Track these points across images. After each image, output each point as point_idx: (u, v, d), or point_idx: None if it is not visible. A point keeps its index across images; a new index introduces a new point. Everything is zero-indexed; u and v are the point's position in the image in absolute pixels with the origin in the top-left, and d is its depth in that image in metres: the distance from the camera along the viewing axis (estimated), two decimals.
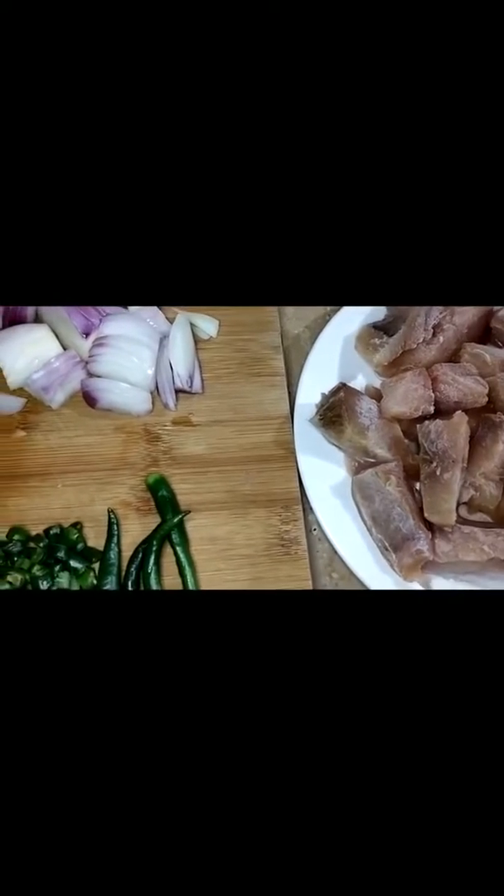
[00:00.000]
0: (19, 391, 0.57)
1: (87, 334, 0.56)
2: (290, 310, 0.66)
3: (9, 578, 0.49)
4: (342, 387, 0.55)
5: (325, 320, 0.64)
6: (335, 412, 0.54)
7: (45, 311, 0.57)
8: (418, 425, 0.54)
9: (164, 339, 0.58)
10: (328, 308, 0.66)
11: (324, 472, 0.55)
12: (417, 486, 0.54)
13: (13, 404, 0.56)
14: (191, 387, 0.57)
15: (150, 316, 0.59)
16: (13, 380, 0.56)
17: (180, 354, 0.57)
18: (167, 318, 0.60)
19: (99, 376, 0.56)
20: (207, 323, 0.60)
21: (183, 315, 0.59)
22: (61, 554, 0.51)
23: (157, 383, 0.57)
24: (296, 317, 0.66)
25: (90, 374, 0.57)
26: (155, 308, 0.59)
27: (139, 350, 0.56)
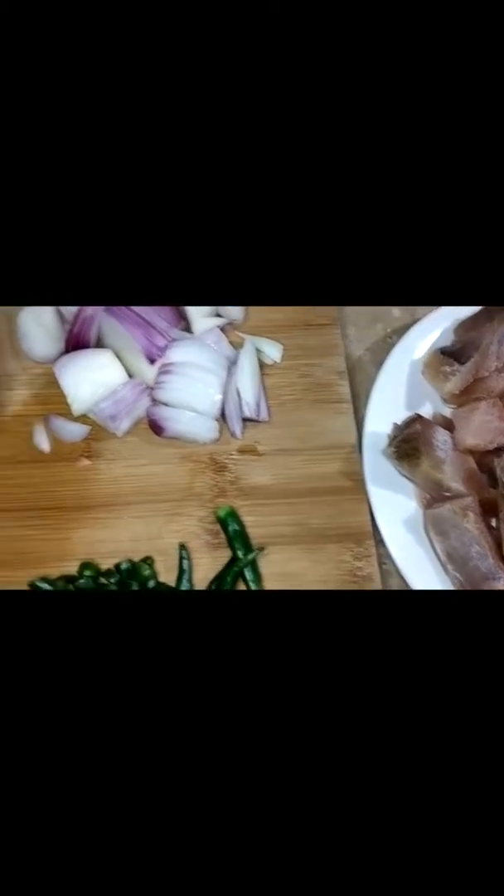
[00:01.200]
0: (82, 418, 0.56)
1: (152, 361, 0.55)
2: (350, 331, 0.65)
3: None
4: (418, 418, 0.53)
5: (386, 343, 0.63)
6: (411, 445, 0.52)
7: (108, 335, 0.56)
8: (495, 458, 0.53)
9: (230, 366, 0.57)
10: (388, 329, 0.65)
11: (395, 505, 0.54)
12: (493, 521, 0.53)
13: (77, 432, 0.55)
14: (258, 415, 0.56)
15: (213, 340, 0.58)
16: (77, 407, 0.55)
17: (248, 382, 0.55)
18: (230, 342, 0.59)
19: (165, 404, 0.55)
20: (271, 347, 0.59)
21: (250, 340, 0.58)
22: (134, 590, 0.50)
23: (224, 411, 0.56)
24: (356, 339, 0.65)
25: (155, 401, 0.56)
26: (219, 332, 0.58)
27: (207, 377, 0.55)
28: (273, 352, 0.59)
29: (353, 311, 0.66)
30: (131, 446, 0.56)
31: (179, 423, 0.54)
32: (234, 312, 0.60)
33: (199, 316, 0.58)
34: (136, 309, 0.55)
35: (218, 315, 0.59)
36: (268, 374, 0.59)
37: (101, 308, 0.55)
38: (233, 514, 0.53)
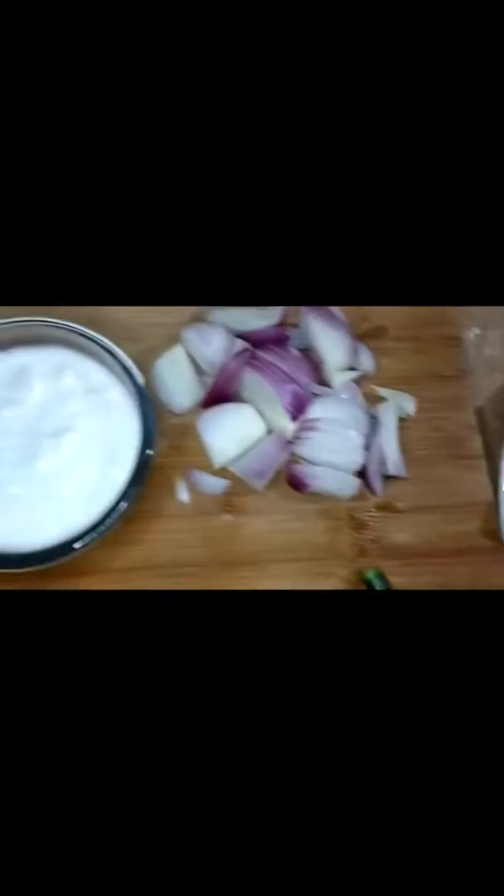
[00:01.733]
0: (220, 471, 0.56)
1: (295, 417, 0.55)
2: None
3: None
4: None
5: None
6: None
7: (249, 389, 0.55)
8: None
9: (369, 420, 0.56)
10: None
11: None
12: None
13: (218, 485, 0.55)
14: (399, 471, 0.56)
15: (350, 394, 0.57)
16: (219, 460, 0.55)
17: (391, 438, 0.55)
18: (363, 393, 0.59)
19: (306, 460, 0.55)
20: (406, 401, 0.59)
21: (390, 395, 0.58)
22: None
23: (364, 467, 0.55)
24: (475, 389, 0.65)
25: (294, 457, 0.56)
26: (354, 386, 0.58)
27: (349, 434, 0.54)
28: (408, 405, 0.59)
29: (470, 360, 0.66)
30: (271, 502, 0.56)
31: (325, 480, 0.54)
32: (366, 364, 0.60)
33: (335, 369, 0.58)
34: (280, 364, 0.55)
35: (352, 368, 0.59)
36: (402, 427, 0.59)
37: (245, 362, 0.54)
38: (381, 577, 0.52)
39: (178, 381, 0.56)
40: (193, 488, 0.55)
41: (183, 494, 0.55)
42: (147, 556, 0.53)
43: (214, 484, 0.55)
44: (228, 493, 0.55)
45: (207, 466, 0.56)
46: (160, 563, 0.53)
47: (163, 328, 0.61)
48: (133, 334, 0.60)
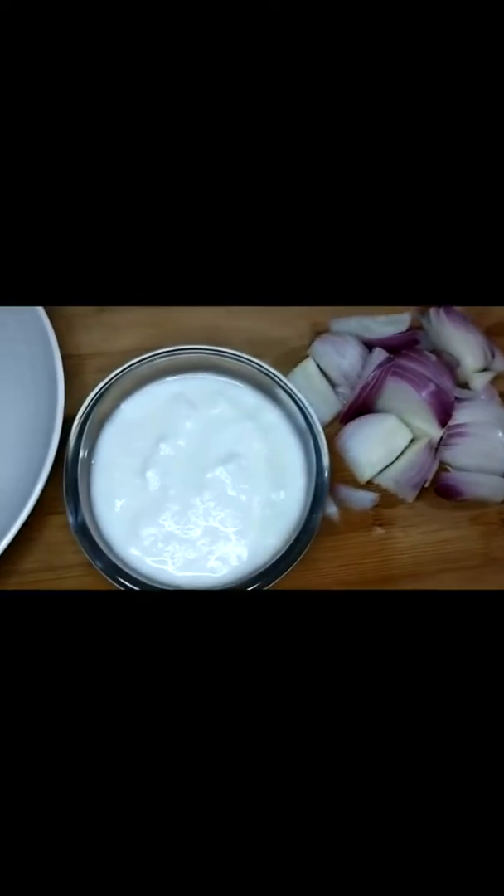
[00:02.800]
0: (366, 485, 0.55)
1: (443, 423, 0.53)
2: None
3: None
4: None
5: None
6: None
7: (391, 398, 0.54)
8: None
9: None
10: None
11: None
12: None
13: (367, 499, 0.53)
14: None
15: (489, 396, 0.56)
16: (367, 473, 0.53)
17: None
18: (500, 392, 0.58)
19: (455, 466, 0.54)
20: None
21: None
22: None
23: None
24: None
25: (443, 464, 0.54)
26: (491, 387, 0.56)
27: (497, 436, 0.53)
28: None
29: None
30: (420, 511, 0.54)
31: (480, 486, 0.52)
32: (501, 364, 0.58)
33: (473, 370, 0.56)
34: (422, 370, 0.53)
35: (486, 369, 0.58)
36: None
37: (389, 371, 0.53)
38: None
39: (312, 396, 0.54)
40: (341, 504, 0.54)
41: (331, 509, 0.53)
42: (307, 578, 0.51)
43: (363, 498, 0.53)
44: (377, 507, 0.54)
45: (352, 481, 0.55)
46: (325, 582, 0.51)
47: (282, 343, 0.59)
48: (257, 349, 0.57)
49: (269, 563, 0.45)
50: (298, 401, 0.48)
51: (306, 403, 0.49)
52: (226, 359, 0.50)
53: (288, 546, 0.45)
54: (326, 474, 0.47)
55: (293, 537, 0.45)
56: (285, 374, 0.55)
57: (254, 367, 0.50)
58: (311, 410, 0.48)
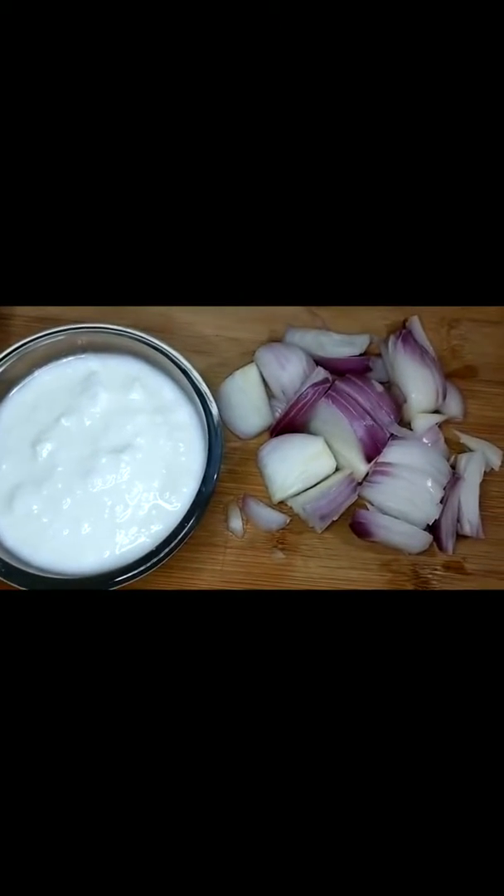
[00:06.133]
0: (279, 506, 0.52)
1: (370, 458, 0.50)
2: None
3: None
4: None
5: None
6: None
7: (322, 422, 0.51)
8: None
9: (450, 473, 0.51)
10: None
11: None
12: None
13: (276, 521, 0.51)
14: (475, 533, 0.51)
15: (432, 440, 0.52)
16: (279, 494, 0.50)
17: (471, 496, 0.50)
18: (445, 438, 0.54)
19: (374, 505, 0.51)
20: (492, 453, 0.53)
21: (479, 447, 0.53)
22: None
23: (439, 523, 0.51)
24: None
25: (361, 500, 0.51)
26: (437, 430, 0.53)
27: (427, 484, 0.49)
28: (494, 458, 0.53)
29: None
30: (329, 545, 0.51)
31: (392, 532, 0.49)
32: (454, 408, 0.54)
33: (419, 410, 0.53)
34: (360, 398, 0.50)
35: (437, 412, 0.54)
36: (483, 481, 0.53)
37: (325, 394, 0.50)
38: None
39: (246, 404, 0.52)
40: (248, 519, 0.52)
41: (236, 523, 0.52)
42: (187, 584, 0.50)
43: (271, 518, 0.51)
44: (284, 530, 0.51)
45: (265, 498, 0.52)
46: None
47: (237, 344, 0.57)
48: (206, 346, 0.57)
49: (136, 560, 0.43)
50: (207, 404, 0.46)
51: (213, 408, 0.46)
52: (145, 346, 0.47)
53: (153, 549, 0.43)
54: (211, 487, 0.44)
55: (168, 540, 0.43)
56: (227, 376, 0.53)
57: (173, 360, 0.47)
58: (215, 416, 0.46)
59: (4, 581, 0.43)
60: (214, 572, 0.50)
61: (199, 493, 0.44)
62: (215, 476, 0.44)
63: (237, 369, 0.54)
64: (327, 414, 0.51)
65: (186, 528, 0.43)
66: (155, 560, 0.42)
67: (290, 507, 0.52)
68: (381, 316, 0.58)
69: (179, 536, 0.42)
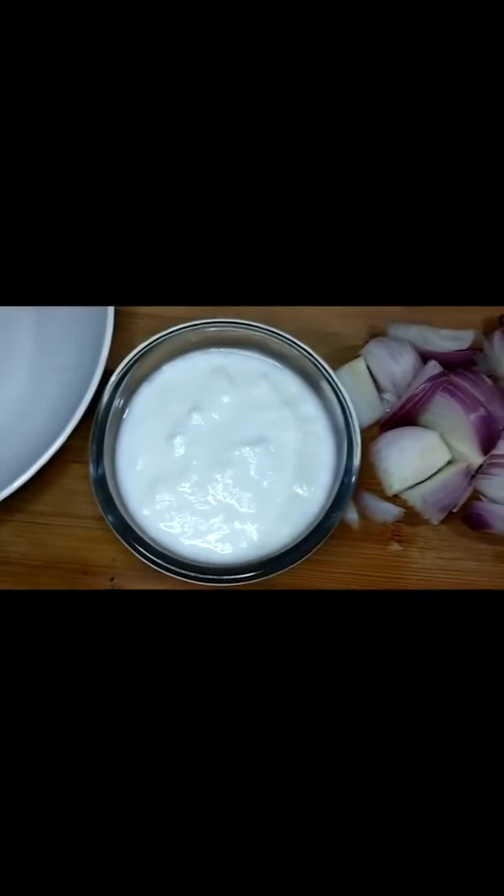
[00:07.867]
0: (393, 498, 0.53)
1: (486, 450, 0.51)
2: None
3: None
4: None
5: None
6: None
7: (436, 415, 0.52)
8: None
9: None
10: None
11: None
12: None
13: (391, 512, 0.51)
14: None
15: None
16: (396, 486, 0.51)
17: None
18: None
19: (489, 497, 0.51)
20: None
21: None
22: None
23: None
24: None
25: (476, 492, 0.52)
26: None
27: None
28: None
29: None
30: (443, 536, 0.52)
31: None
32: None
33: None
34: (475, 392, 0.51)
35: None
36: None
37: (441, 386, 0.51)
38: None
39: (358, 397, 0.52)
40: (363, 511, 0.52)
41: (351, 515, 0.52)
42: (315, 578, 0.50)
43: (387, 510, 0.52)
44: (399, 522, 0.52)
45: (379, 490, 0.53)
46: (331, 586, 0.50)
47: (339, 339, 0.58)
48: (307, 339, 0.56)
49: (276, 554, 0.44)
50: (342, 397, 0.47)
51: (349, 401, 0.47)
52: (276, 340, 0.49)
53: (299, 541, 0.44)
54: (354, 478, 0.45)
55: (306, 533, 0.44)
56: (334, 369, 0.54)
57: (303, 353, 0.49)
58: (352, 409, 0.47)
59: (162, 573, 0.44)
60: (337, 564, 0.50)
61: (342, 484, 0.44)
62: (357, 465, 0.45)
63: (344, 363, 0.55)
64: (441, 407, 0.52)
65: (332, 519, 0.43)
66: (301, 551, 0.43)
67: (404, 500, 0.52)
68: (473, 311, 0.60)
69: (325, 527, 0.43)
